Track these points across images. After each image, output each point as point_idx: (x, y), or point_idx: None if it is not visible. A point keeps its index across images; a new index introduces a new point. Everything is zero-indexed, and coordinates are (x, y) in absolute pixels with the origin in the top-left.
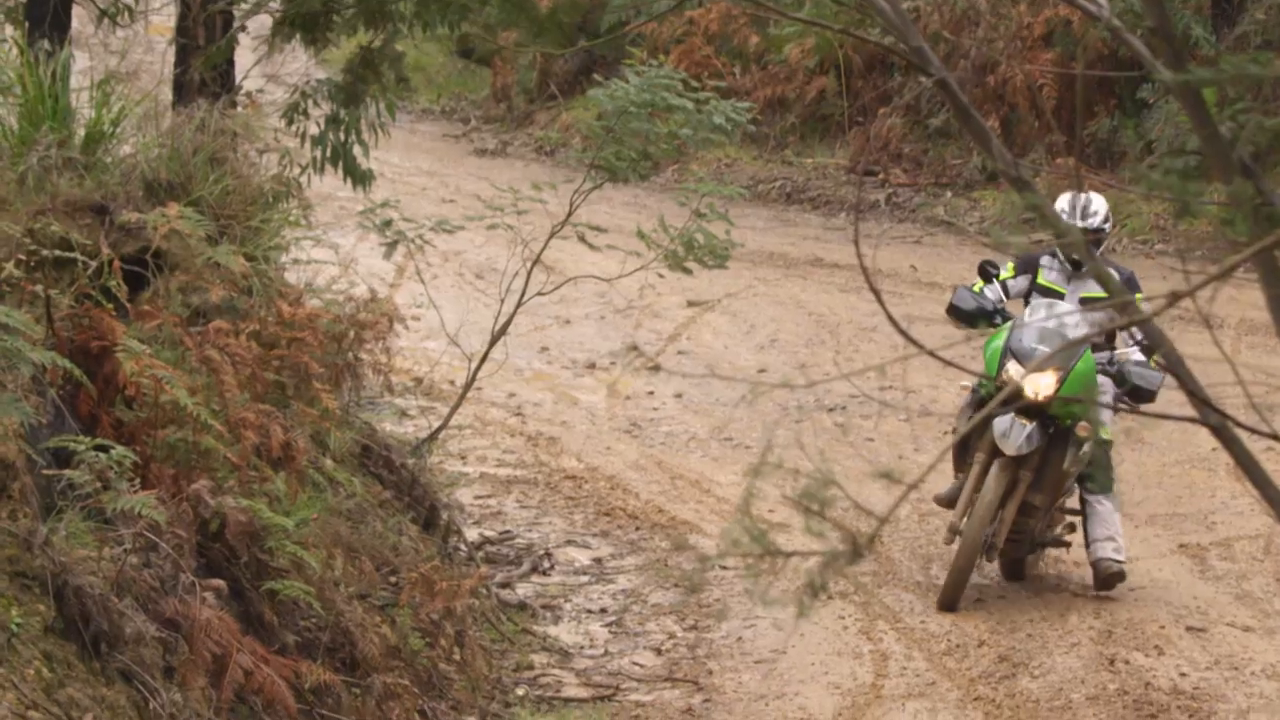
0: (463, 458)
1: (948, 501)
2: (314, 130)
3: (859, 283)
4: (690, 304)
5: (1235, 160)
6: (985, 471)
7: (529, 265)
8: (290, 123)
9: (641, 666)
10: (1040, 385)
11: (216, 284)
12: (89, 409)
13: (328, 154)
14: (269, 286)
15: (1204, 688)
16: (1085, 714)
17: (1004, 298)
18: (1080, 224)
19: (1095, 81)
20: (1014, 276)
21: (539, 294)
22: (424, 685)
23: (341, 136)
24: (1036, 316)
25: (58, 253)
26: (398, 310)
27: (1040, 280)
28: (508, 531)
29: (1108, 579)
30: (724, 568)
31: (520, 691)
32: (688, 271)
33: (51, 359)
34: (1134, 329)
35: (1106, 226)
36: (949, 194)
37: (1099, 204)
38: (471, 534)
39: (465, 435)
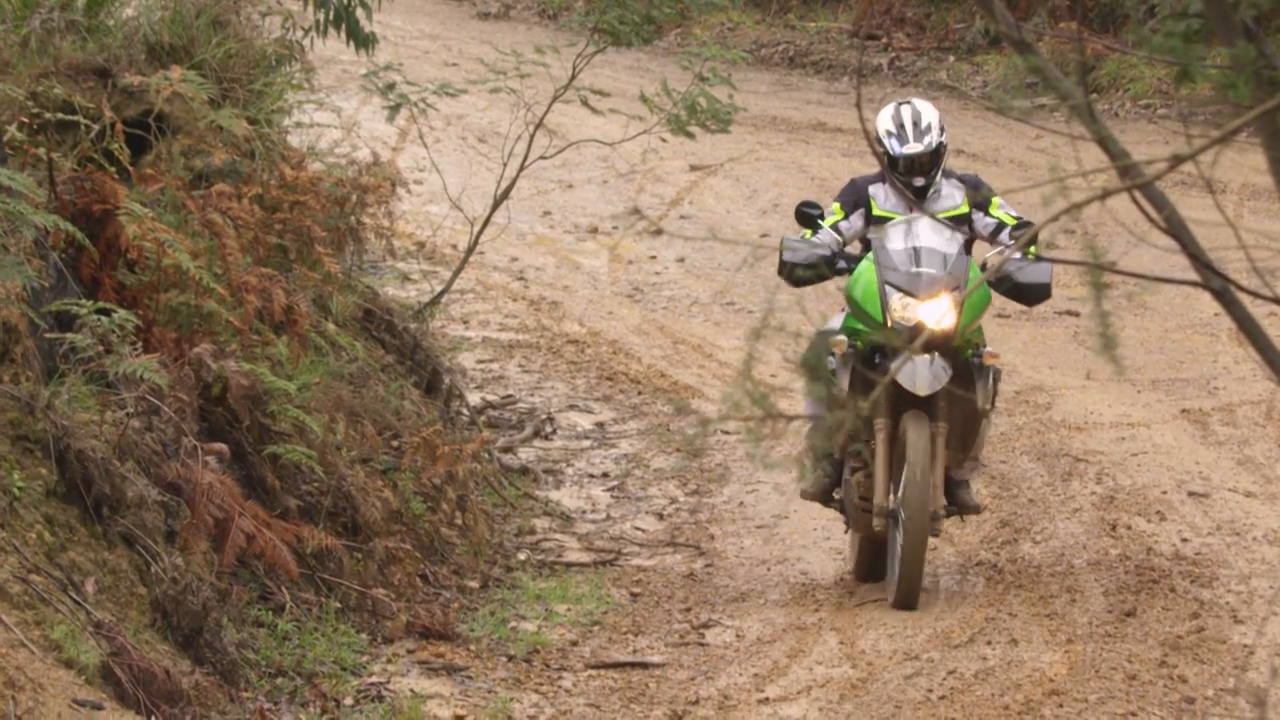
0: (465, 322)
1: (821, 494)
2: None
3: (861, 147)
4: (693, 168)
5: (1237, 23)
6: (895, 434)
7: (531, 129)
8: None
9: (643, 531)
10: (941, 314)
11: (219, 147)
12: (91, 272)
13: (330, 17)
14: (271, 150)
15: (1205, 553)
16: (1087, 579)
17: (840, 240)
18: (915, 148)
19: None
20: (844, 217)
21: (541, 158)
22: (425, 550)
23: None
24: (898, 238)
25: (60, 116)
26: (400, 174)
27: (877, 212)
28: (510, 396)
29: (961, 507)
30: (725, 432)
31: (522, 556)
32: (690, 135)
33: (54, 222)
34: (1000, 233)
35: (944, 139)
36: (951, 58)
37: (929, 114)
38: (473, 398)
39: (467, 300)
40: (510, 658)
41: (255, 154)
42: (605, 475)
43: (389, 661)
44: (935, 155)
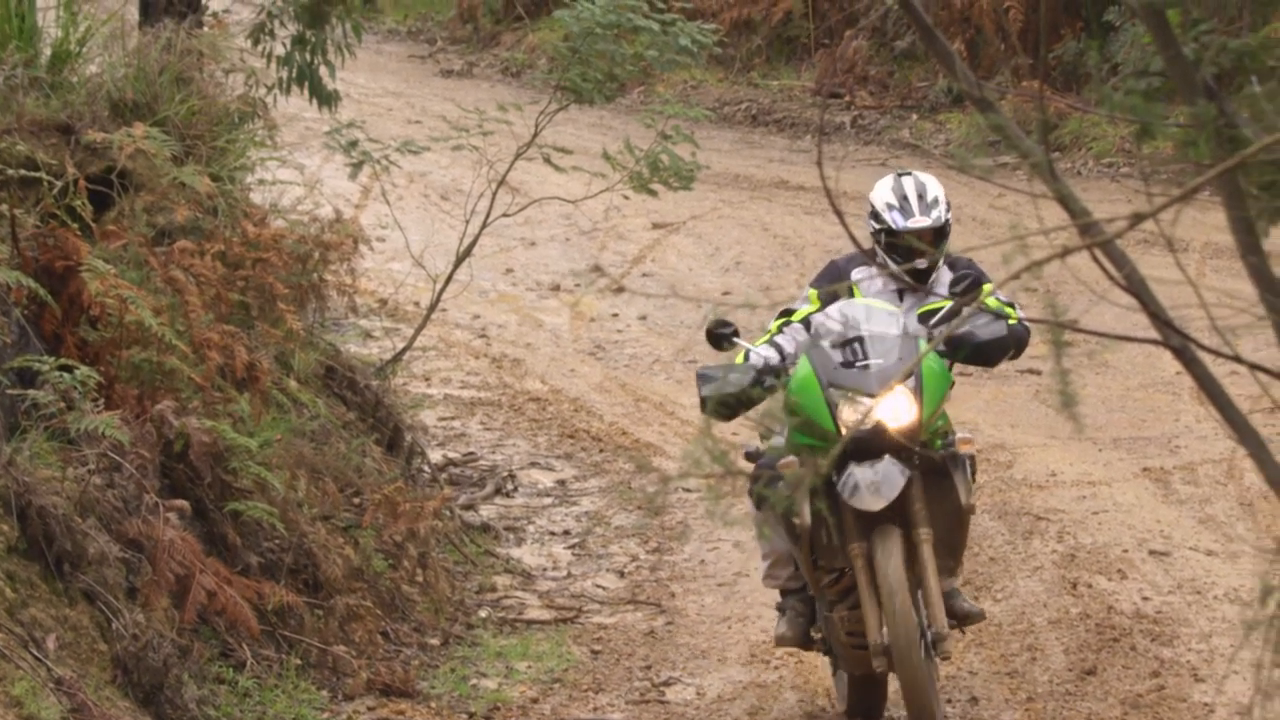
0: (427, 379)
1: (798, 637)
2: (280, 51)
3: (823, 205)
4: (655, 226)
5: (1199, 82)
6: (872, 558)
7: (494, 186)
8: (256, 43)
9: (604, 589)
10: (900, 408)
11: (182, 204)
12: (53, 329)
13: (294, 74)
14: (234, 207)
15: (1166, 612)
16: (1047, 637)
17: (782, 351)
18: (922, 221)
19: (1061, 4)
20: (821, 308)
21: (504, 215)
22: (386, 607)
23: (307, 57)
24: (835, 329)
25: (23, 172)
26: (363, 231)
27: (861, 301)
28: (471, 453)
29: (964, 619)
30: (686, 490)
31: (483, 613)
32: (653, 193)
33: (16, 278)
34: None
35: (950, 217)
36: (914, 117)
37: (934, 187)
38: (435, 456)
39: (429, 357)
40: (471, 715)
41: (218, 211)
42: (566, 533)
43: (349, 718)
44: (941, 233)
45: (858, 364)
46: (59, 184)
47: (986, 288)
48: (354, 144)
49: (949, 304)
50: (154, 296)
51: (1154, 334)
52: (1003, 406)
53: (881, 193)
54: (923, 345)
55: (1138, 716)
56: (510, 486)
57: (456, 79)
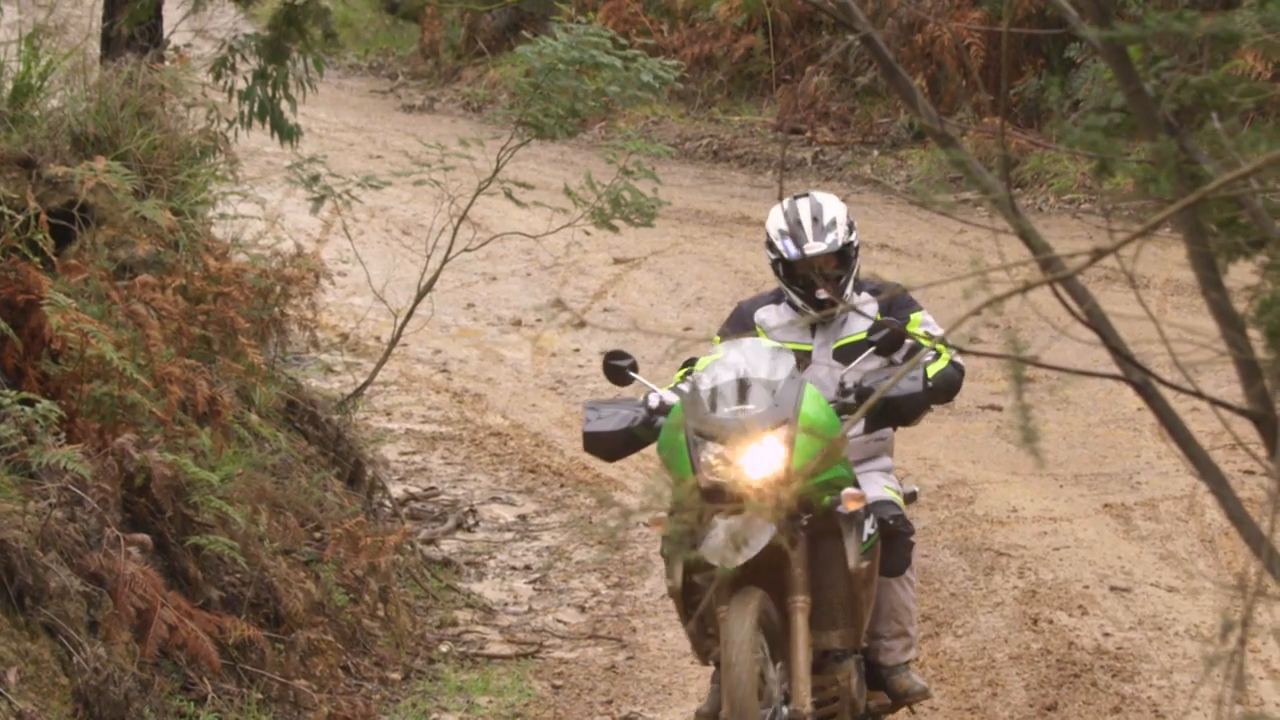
0: (388, 414)
1: (714, 711)
2: (241, 85)
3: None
4: (616, 261)
5: (1159, 118)
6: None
7: (455, 221)
8: (218, 77)
9: (565, 624)
10: (766, 459)
11: (143, 238)
12: (14, 363)
13: (255, 109)
14: (195, 241)
15: (1127, 648)
16: (1008, 673)
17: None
18: (816, 247)
19: (1022, 40)
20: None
21: (465, 250)
22: (348, 641)
23: (269, 92)
24: (712, 374)
25: None
26: (324, 266)
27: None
28: (432, 488)
29: (903, 696)
30: (647, 524)
31: (444, 648)
32: (614, 229)
33: None
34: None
35: (854, 239)
36: (876, 152)
37: (833, 208)
38: (396, 490)
39: (391, 391)
40: None
41: (179, 245)
42: (527, 567)
43: None
44: (843, 259)
45: (728, 409)
46: (20, 218)
47: (916, 318)
48: (315, 179)
49: (866, 335)
50: (115, 330)
51: (1115, 370)
52: (964, 442)
53: (775, 219)
54: (809, 390)
55: None
56: (471, 521)
57: (418, 114)
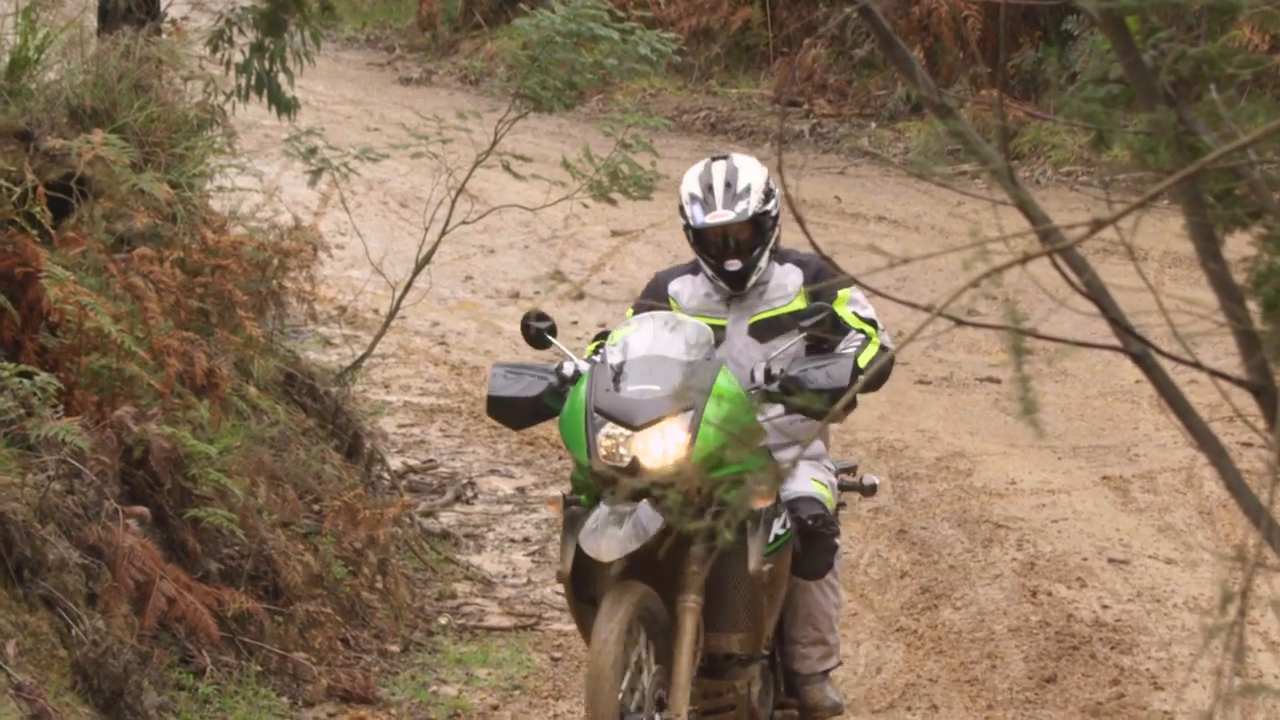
0: (386, 386)
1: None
2: (239, 58)
3: (783, 214)
4: (614, 233)
5: (1158, 89)
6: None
7: (453, 194)
8: (215, 50)
9: (563, 596)
10: (666, 445)
11: (141, 211)
12: (13, 335)
13: (252, 82)
14: (193, 214)
15: (1126, 620)
16: (1007, 645)
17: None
18: (723, 216)
19: (1020, 12)
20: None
21: (463, 223)
22: (346, 613)
23: (266, 64)
24: (621, 348)
25: None
26: (322, 238)
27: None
28: (431, 460)
29: (812, 709)
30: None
31: (443, 620)
32: (612, 202)
33: None
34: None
35: (770, 206)
36: (873, 125)
37: (750, 172)
38: (395, 463)
39: (389, 364)
40: None
41: (177, 218)
42: (526, 540)
43: None
44: (757, 228)
45: (632, 388)
46: (17, 191)
47: (844, 295)
48: (313, 151)
49: (794, 307)
50: (113, 303)
51: (1114, 341)
52: (962, 414)
53: (688, 182)
54: (724, 373)
55: None
56: (470, 493)
57: (415, 86)
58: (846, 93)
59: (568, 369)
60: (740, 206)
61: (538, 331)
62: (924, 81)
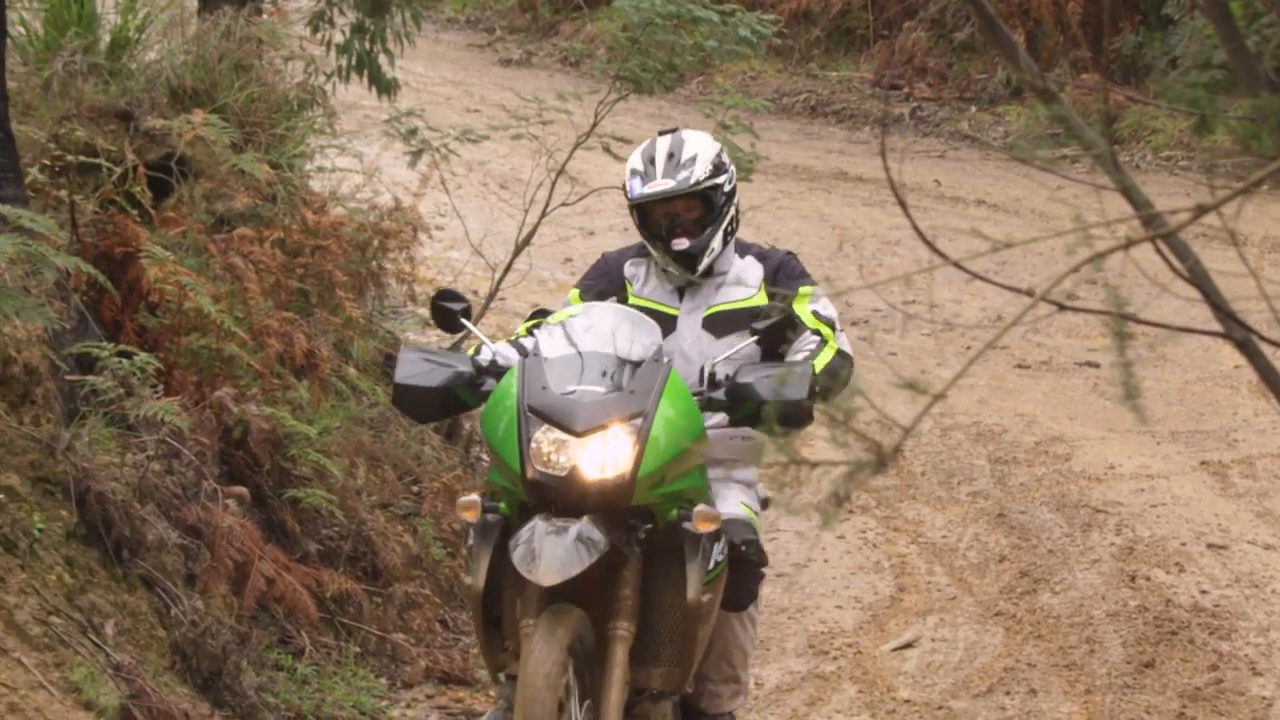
0: None
1: None
2: (339, 38)
3: (883, 196)
4: None
5: (1262, 74)
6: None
7: (553, 176)
8: (315, 30)
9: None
10: (610, 455)
11: (241, 191)
12: (113, 315)
13: (353, 62)
14: (293, 194)
15: (1224, 605)
16: (1105, 630)
17: (525, 355)
18: (662, 185)
19: None
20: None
21: (563, 205)
22: (445, 595)
23: (367, 45)
24: (560, 340)
25: (83, 158)
26: (422, 219)
27: (634, 302)
28: None
29: None
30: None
31: None
32: None
33: (75, 264)
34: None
35: (722, 180)
36: (973, 109)
37: (696, 144)
38: None
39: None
40: None
41: (277, 198)
42: None
43: (408, 706)
44: (706, 203)
45: (573, 387)
46: (118, 170)
47: (805, 292)
48: (413, 132)
49: (754, 302)
50: (213, 283)
51: (1215, 326)
52: (1061, 399)
53: (631, 159)
54: (674, 378)
55: (1196, 710)
56: None
57: (515, 68)
58: (946, 76)
59: (484, 356)
60: (681, 176)
61: (448, 313)
62: (1027, 65)
